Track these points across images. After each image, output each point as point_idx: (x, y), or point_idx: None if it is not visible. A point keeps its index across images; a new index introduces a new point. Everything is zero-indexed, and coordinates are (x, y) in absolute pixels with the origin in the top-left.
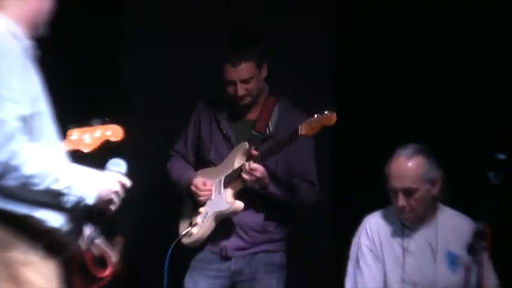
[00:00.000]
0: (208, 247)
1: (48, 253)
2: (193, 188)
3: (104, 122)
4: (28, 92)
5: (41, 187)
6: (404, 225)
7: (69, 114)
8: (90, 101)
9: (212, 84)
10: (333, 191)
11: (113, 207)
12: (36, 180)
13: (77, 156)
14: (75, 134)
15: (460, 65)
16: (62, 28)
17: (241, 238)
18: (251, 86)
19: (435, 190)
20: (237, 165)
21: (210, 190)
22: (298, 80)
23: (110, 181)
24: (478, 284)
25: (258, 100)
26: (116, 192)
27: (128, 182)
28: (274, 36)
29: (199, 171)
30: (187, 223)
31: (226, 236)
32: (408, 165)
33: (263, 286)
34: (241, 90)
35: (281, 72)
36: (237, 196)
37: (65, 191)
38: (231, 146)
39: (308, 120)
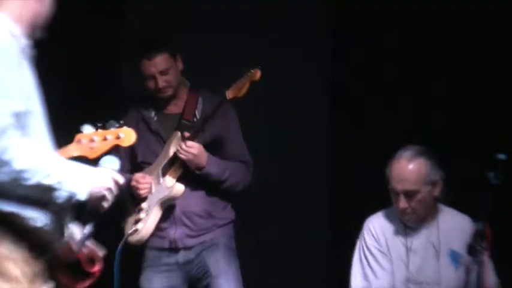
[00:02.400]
0: (154, 243)
1: (32, 253)
2: (133, 183)
3: (119, 125)
4: (22, 89)
5: (32, 182)
6: (407, 226)
7: (68, 116)
8: (90, 102)
9: (212, 83)
10: (332, 193)
11: (105, 204)
12: (27, 175)
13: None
14: (83, 139)
15: (459, 65)
16: (62, 31)
17: (187, 226)
18: (170, 77)
19: (436, 191)
20: (171, 153)
21: (150, 182)
22: (298, 80)
23: (103, 178)
24: (479, 284)
25: (179, 94)
26: (109, 189)
27: (121, 179)
28: (274, 35)
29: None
30: (131, 224)
31: (173, 227)
32: (409, 168)
33: (213, 265)
34: (161, 82)
35: (281, 72)
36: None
37: (56, 186)
38: (162, 141)
39: (233, 85)
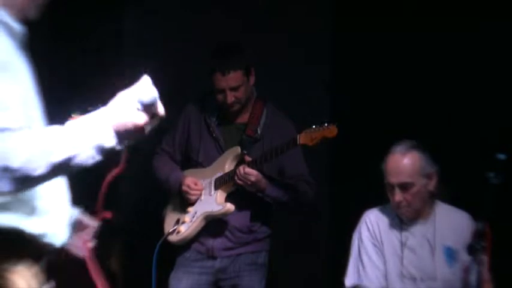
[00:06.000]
0: (194, 246)
1: (33, 260)
2: (184, 187)
3: None
4: (16, 97)
5: (41, 171)
6: (403, 221)
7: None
8: (92, 101)
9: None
10: (332, 190)
11: (146, 131)
12: (32, 166)
13: None
14: None
15: (459, 65)
16: (64, 30)
17: (228, 238)
18: (240, 93)
19: (431, 185)
20: (228, 168)
21: (201, 190)
22: (298, 81)
23: (125, 113)
24: (478, 284)
25: (247, 104)
26: (138, 126)
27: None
28: (274, 36)
29: (187, 171)
30: (173, 221)
31: (214, 236)
32: (404, 161)
33: (246, 284)
34: (230, 97)
35: (281, 73)
36: (227, 198)
37: (71, 154)
38: (220, 149)
39: (307, 130)
